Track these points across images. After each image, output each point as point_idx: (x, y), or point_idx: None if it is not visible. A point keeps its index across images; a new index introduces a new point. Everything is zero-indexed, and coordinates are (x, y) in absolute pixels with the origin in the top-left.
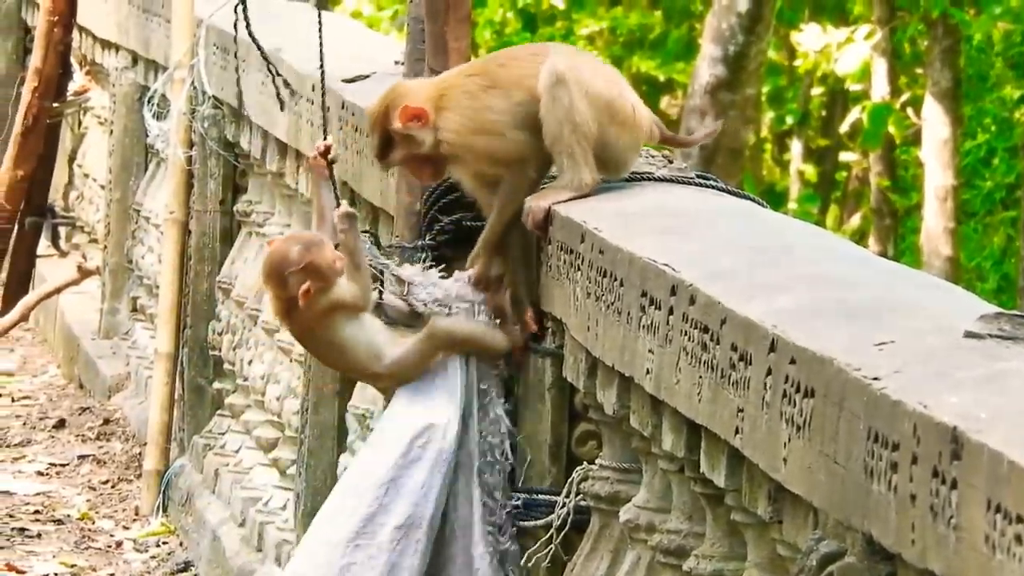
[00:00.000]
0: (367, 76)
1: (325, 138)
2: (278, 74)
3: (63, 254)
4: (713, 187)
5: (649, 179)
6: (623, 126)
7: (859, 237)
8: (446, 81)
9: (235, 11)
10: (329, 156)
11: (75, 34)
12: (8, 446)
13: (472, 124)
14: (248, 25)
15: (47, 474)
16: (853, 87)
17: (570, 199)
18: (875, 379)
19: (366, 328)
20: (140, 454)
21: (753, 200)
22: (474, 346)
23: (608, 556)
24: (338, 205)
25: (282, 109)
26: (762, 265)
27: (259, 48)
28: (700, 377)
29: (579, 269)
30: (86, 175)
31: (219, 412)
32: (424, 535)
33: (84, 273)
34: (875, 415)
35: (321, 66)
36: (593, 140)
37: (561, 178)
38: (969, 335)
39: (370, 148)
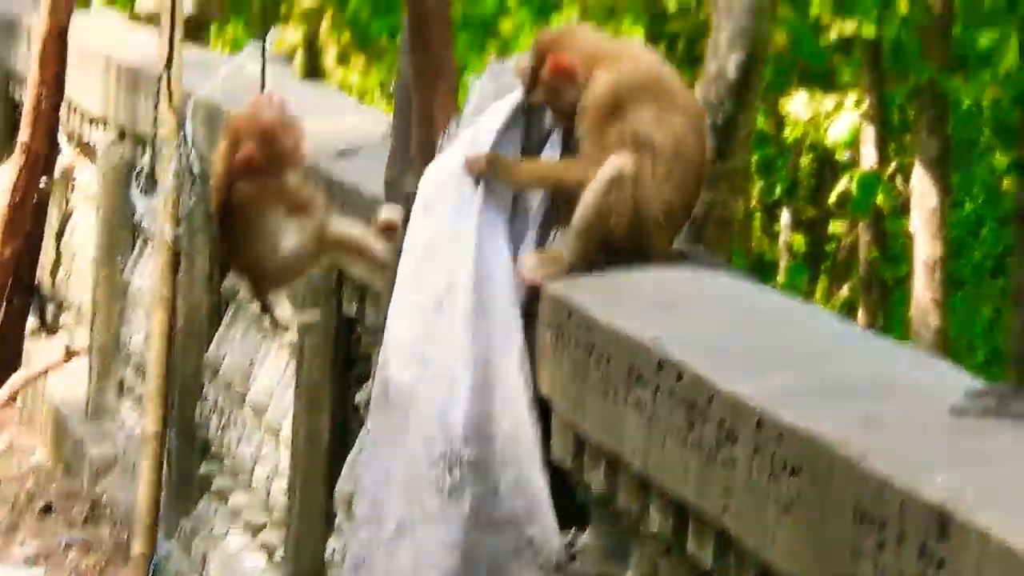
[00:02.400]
0: (356, 151)
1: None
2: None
3: (51, 333)
4: (701, 263)
5: None
6: (631, 245)
7: (848, 308)
8: (618, 47)
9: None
10: None
11: (63, 109)
12: None
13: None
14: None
15: (35, 560)
16: (842, 156)
17: (557, 273)
18: (862, 457)
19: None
20: (128, 538)
21: (741, 275)
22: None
23: None
24: None
25: None
26: (749, 342)
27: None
28: (687, 455)
29: (566, 347)
30: (74, 253)
31: (207, 494)
32: None
33: (71, 354)
34: (862, 494)
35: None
36: (604, 240)
37: (557, 247)
38: (955, 411)
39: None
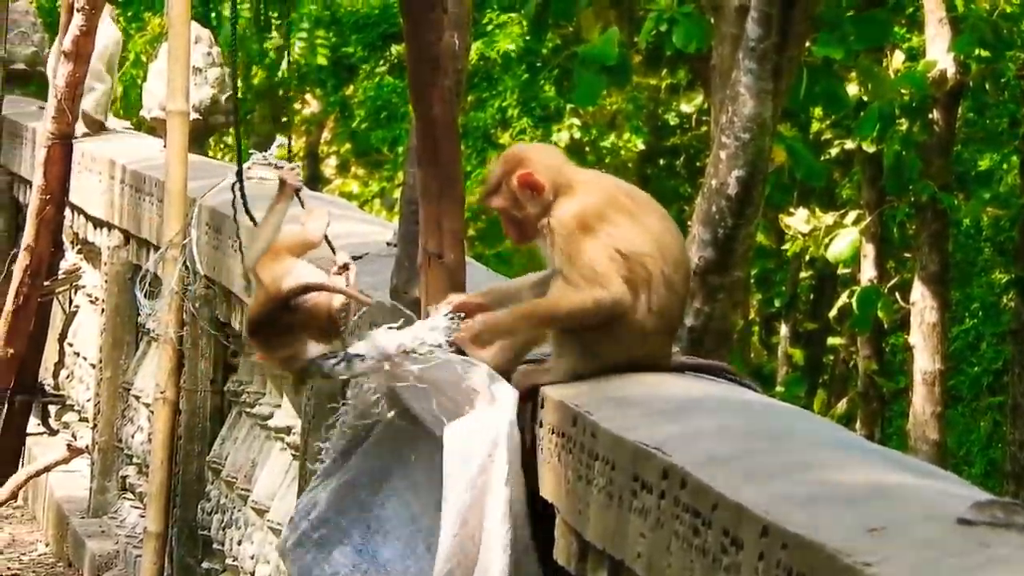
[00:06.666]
0: (360, 257)
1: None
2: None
3: (53, 433)
4: (713, 376)
5: None
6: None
7: (846, 421)
8: (585, 175)
9: (232, 190)
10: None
11: (67, 212)
12: None
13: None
14: (246, 205)
15: None
16: (841, 271)
17: (554, 383)
18: (867, 565)
19: None
20: None
21: (746, 385)
22: None
23: None
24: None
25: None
26: (754, 450)
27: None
28: (691, 561)
29: (570, 452)
30: (76, 354)
31: None
32: None
33: (73, 452)
34: None
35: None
36: (601, 357)
37: (552, 362)
38: (962, 522)
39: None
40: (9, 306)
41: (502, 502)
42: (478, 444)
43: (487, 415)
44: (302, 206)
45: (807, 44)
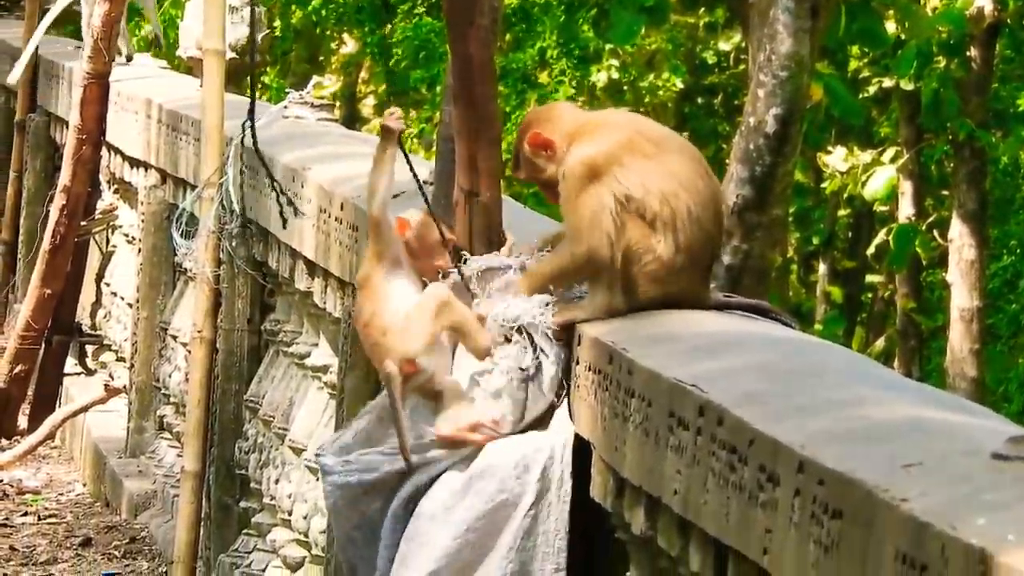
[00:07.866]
0: (396, 195)
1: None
2: (282, 192)
3: (90, 372)
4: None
5: None
6: (658, 293)
7: (884, 359)
8: (600, 119)
9: (243, 128)
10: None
11: (104, 152)
12: (35, 564)
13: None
14: (255, 142)
15: None
16: (879, 208)
17: (591, 319)
18: (903, 500)
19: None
20: (166, 573)
21: (785, 323)
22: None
23: None
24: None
25: (284, 226)
26: (791, 387)
27: (264, 165)
28: (728, 498)
29: (607, 389)
30: (114, 293)
31: (245, 531)
32: None
33: (110, 392)
34: (903, 536)
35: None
36: (631, 292)
37: (588, 299)
38: (997, 457)
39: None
40: (46, 246)
41: (514, 530)
42: (507, 459)
43: (531, 435)
44: (402, 150)
45: None
